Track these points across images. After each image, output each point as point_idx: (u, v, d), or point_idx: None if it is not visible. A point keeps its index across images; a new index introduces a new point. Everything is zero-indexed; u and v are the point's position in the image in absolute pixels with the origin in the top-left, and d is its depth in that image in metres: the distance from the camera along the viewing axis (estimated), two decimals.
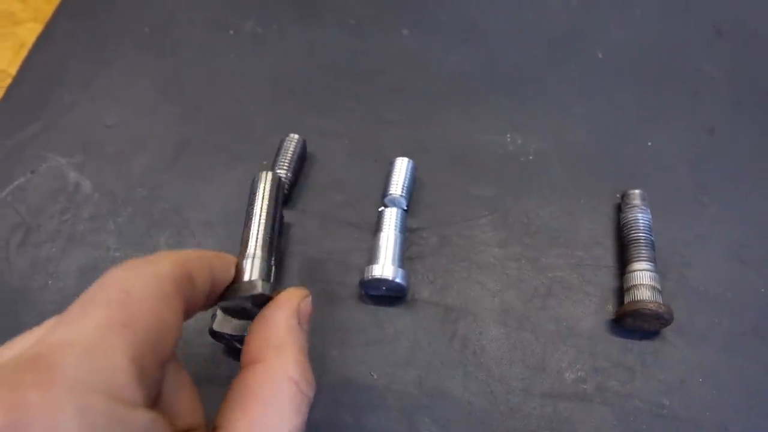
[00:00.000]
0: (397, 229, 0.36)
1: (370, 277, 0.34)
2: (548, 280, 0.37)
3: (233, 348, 0.33)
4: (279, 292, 0.26)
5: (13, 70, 0.48)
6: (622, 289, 0.36)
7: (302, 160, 0.41)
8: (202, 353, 0.33)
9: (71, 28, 0.51)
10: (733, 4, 0.54)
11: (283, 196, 0.35)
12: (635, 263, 0.35)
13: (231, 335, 0.29)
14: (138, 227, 0.39)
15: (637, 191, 0.39)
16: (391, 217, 0.37)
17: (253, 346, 0.23)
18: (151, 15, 0.52)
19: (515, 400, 0.32)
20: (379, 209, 0.38)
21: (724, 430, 0.32)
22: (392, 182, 0.39)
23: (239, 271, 0.27)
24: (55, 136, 0.43)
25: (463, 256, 0.38)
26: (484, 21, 0.52)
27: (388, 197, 0.38)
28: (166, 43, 0.50)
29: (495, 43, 0.51)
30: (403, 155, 0.40)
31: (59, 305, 0.35)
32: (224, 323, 0.29)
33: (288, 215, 0.39)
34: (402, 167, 0.39)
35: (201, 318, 0.28)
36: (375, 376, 0.33)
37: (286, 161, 0.39)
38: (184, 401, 0.21)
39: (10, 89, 0.46)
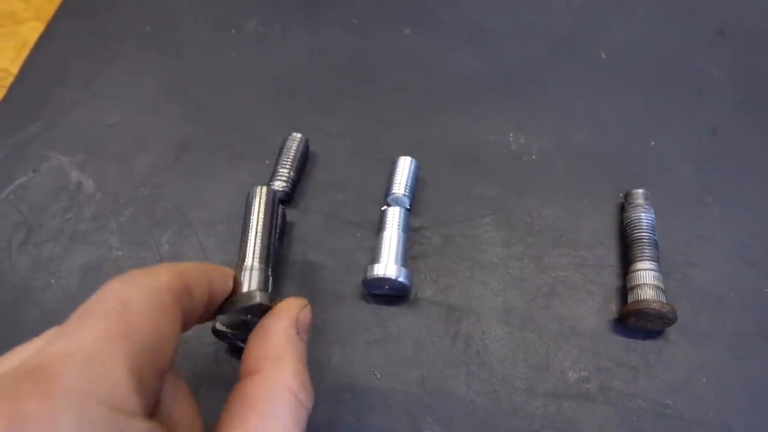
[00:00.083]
0: (400, 229, 0.36)
1: (372, 277, 0.33)
2: (551, 279, 0.37)
3: (236, 347, 0.33)
4: (278, 302, 0.26)
5: (15, 69, 0.48)
6: (625, 289, 0.36)
7: (305, 159, 0.41)
8: (204, 352, 0.33)
9: (73, 27, 0.51)
10: (737, 5, 0.54)
11: (281, 213, 0.35)
12: (638, 263, 0.35)
13: (234, 334, 0.29)
14: (140, 226, 0.39)
15: (640, 191, 0.38)
16: (394, 217, 0.36)
17: (252, 356, 0.23)
18: (152, 14, 0.52)
19: (518, 400, 0.32)
20: (382, 208, 0.38)
21: (728, 430, 0.32)
22: (395, 181, 0.38)
23: (237, 283, 0.27)
24: (57, 135, 0.43)
25: (466, 256, 0.38)
26: (486, 21, 0.52)
27: (391, 196, 0.38)
28: (168, 42, 0.50)
29: (498, 42, 0.51)
30: (405, 154, 0.40)
31: (61, 304, 0.35)
32: None
33: (290, 214, 0.39)
34: (405, 166, 0.39)
35: None
36: (378, 376, 0.33)
37: (289, 160, 0.39)
38: (183, 411, 0.21)
39: (12, 88, 0.46)
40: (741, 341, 0.35)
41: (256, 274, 0.28)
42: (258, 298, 0.26)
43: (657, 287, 0.34)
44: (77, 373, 0.16)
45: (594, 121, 0.45)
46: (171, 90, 0.46)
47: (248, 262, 0.30)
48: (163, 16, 0.52)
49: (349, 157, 0.43)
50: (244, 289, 0.27)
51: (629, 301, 0.34)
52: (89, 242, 0.38)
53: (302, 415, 0.21)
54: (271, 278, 0.30)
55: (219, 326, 0.28)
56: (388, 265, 0.34)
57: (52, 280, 0.36)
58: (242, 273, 0.28)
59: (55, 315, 0.35)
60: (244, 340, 0.26)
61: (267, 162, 0.41)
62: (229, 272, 0.26)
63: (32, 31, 0.51)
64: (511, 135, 0.44)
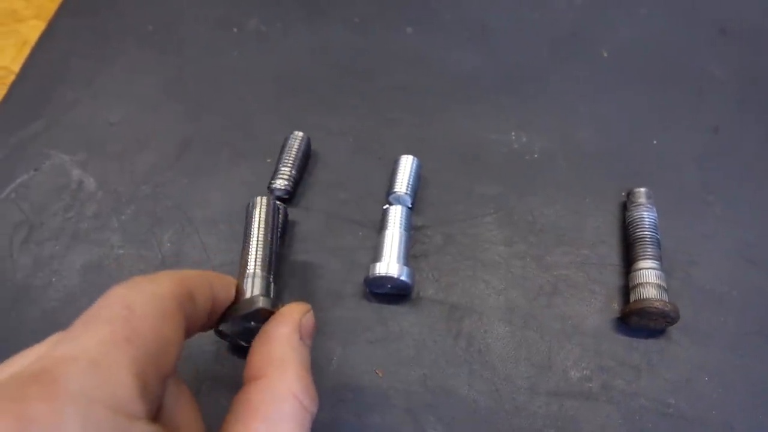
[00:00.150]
0: (402, 227, 0.36)
1: (374, 275, 0.33)
2: (553, 278, 0.37)
3: (237, 346, 0.33)
4: (281, 308, 0.26)
5: (16, 68, 0.48)
6: (627, 288, 0.36)
7: (306, 158, 0.41)
8: (207, 351, 0.33)
9: (74, 26, 0.51)
10: (739, 4, 0.54)
11: (282, 227, 0.36)
12: (641, 261, 0.35)
13: (236, 334, 0.29)
14: (142, 225, 0.39)
15: (642, 189, 0.38)
16: (396, 215, 0.36)
17: (255, 361, 0.23)
18: (154, 12, 0.52)
19: (521, 399, 0.32)
20: (384, 207, 0.38)
21: (730, 429, 0.32)
22: (397, 180, 0.38)
23: (239, 292, 0.27)
24: (58, 134, 0.43)
25: (468, 255, 0.38)
26: (488, 19, 0.52)
27: (393, 195, 0.38)
28: (169, 41, 0.50)
29: (499, 41, 0.51)
30: (407, 153, 0.40)
31: (63, 303, 0.35)
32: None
33: (292, 213, 0.39)
34: (407, 165, 0.39)
35: None
36: (379, 374, 0.33)
37: (291, 159, 0.39)
38: (185, 416, 0.21)
39: (13, 87, 0.46)
40: (743, 340, 0.35)
41: (258, 281, 0.29)
42: (260, 303, 0.26)
43: (659, 286, 0.34)
44: (82, 376, 0.16)
45: (596, 120, 0.45)
46: (172, 88, 0.46)
47: (250, 269, 0.30)
48: (164, 15, 0.52)
49: (351, 156, 0.43)
50: (247, 295, 0.28)
51: (631, 300, 0.34)
52: (90, 241, 0.38)
53: (306, 420, 0.21)
54: (273, 285, 0.30)
55: (221, 325, 0.28)
56: (390, 264, 0.34)
57: (54, 279, 0.36)
58: (244, 281, 0.29)
59: (56, 313, 0.35)
60: (246, 340, 0.26)
61: (269, 161, 0.41)
62: (232, 280, 0.27)
63: (33, 30, 0.51)
64: (513, 134, 0.44)
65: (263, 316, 0.26)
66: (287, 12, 0.52)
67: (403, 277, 0.33)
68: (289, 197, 0.39)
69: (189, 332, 0.22)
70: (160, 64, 0.48)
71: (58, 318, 0.34)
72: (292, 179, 0.39)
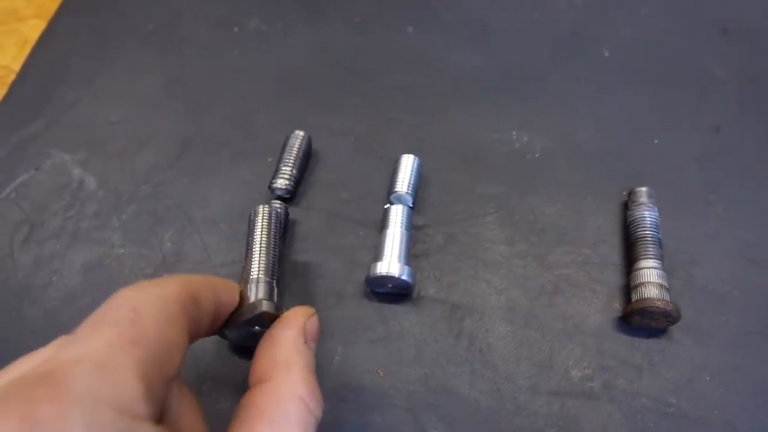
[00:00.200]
0: (403, 227, 0.36)
1: (376, 275, 0.33)
2: (555, 277, 0.37)
3: (239, 346, 0.33)
4: (285, 311, 0.26)
5: (17, 67, 0.48)
6: (629, 287, 0.36)
7: (307, 158, 0.41)
8: (208, 350, 0.33)
9: (74, 25, 0.51)
10: (740, 4, 0.54)
11: (282, 227, 0.36)
12: (642, 261, 0.35)
13: (240, 339, 0.29)
14: (142, 224, 0.39)
15: (643, 189, 0.38)
16: (397, 214, 0.36)
17: (261, 365, 0.23)
18: (154, 12, 0.52)
19: (522, 398, 0.32)
20: (385, 206, 0.38)
21: (732, 429, 0.32)
22: (398, 179, 0.38)
23: (243, 298, 0.27)
24: (59, 133, 0.43)
25: (469, 254, 0.38)
26: (489, 19, 0.52)
27: (394, 194, 0.38)
28: (169, 40, 0.50)
29: (500, 41, 0.51)
30: (408, 153, 0.40)
31: (63, 302, 0.35)
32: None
33: (293, 212, 0.39)
34: (408, 164, 0.39)
35: None
36: (380, 373, 0.33)
37: (292, 158, 0.39)
38: (188, 418, 0.21)
39: (14, 86, 0.46)
40: (745, 340, 0.34)
41: (261, 286, 0.29)
42: (263, 307, 0.26)
43: (661, 285, 0.34)
44: (88, 377, 0.16)
45: (597, 120, 0.45)
46: (173, 88, 0.46)
47: (253, 275, 0.30)
48: (164, 14, 0.52)
49: (352, 155, 0.42)
50: (251, 300, 0.28)
51: (633, 300, 0.34)
52: (91, 240, 0.38)
53: (311, 423, 0.22)
54: (276, 289, 0.30)
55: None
56: (391, 263, 0.33)
57: (54, 278, 0.36)
58: (248, 286, 0.29)
59: (57, 313, 0.35)
60: (250, 345, 0.26)
61: (269, 160, 0.41)
62: (235, 286, 0.27)
63: (34, 29, 0.51)
64: (514, 133, 0.44)
65: (267, 321, 0.26)
66: (288, 12, 0.52)
67: (404, 277, 0.33)
68: (290, 196, 0.39)
69: (193, 336, 0.22)
70: (161, 63, 0.48)
71: (58, 317, 0.34)
72: (293, 179, 0.39)
